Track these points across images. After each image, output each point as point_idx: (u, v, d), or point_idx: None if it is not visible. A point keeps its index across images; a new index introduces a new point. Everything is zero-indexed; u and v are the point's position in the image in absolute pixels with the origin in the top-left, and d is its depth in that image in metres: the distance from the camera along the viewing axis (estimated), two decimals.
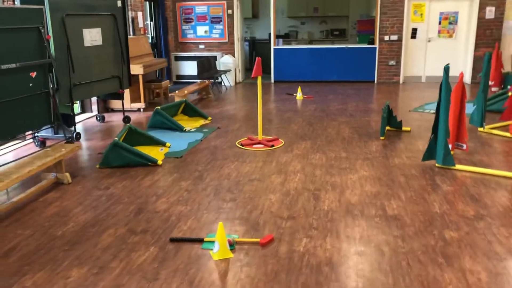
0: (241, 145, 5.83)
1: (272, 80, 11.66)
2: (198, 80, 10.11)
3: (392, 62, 10.97)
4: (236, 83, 11.57)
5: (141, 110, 8.19)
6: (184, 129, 6.65)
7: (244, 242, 3.31)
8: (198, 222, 3.67)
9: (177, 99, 8.17)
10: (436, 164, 4.87)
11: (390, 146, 5.70)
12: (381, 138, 6.02)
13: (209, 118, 7.37)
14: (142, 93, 8.03)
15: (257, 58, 5.65)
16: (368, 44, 11.12)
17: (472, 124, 6.28)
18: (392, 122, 6.36)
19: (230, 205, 3.99)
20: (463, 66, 10.86)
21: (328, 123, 7.01)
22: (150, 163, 5.10)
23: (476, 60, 10.62)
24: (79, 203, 4.11)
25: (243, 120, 7.36)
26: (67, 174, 4.59)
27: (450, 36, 10.84)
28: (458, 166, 4.77)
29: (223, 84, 11.26)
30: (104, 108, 8.11)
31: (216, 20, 11.38)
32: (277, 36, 12.87)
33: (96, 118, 7.46)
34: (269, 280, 2.81)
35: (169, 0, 11.20)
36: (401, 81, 11.06)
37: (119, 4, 6.85)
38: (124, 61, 7.01)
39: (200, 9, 11.38)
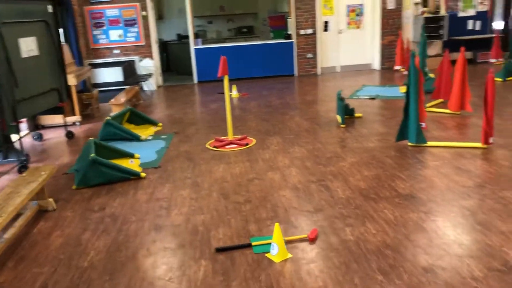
0: (214, 147, 5.70)
1: (196, 81, 11.48)
2: (125, 86, 9.58)
3: (309, 55, 11.45)
4: (157, 86, 11.17)
5: (78, 124, 7.53)
6: (140, 138, 6.29)
7: (293, 240, 3.28)
8: (229, 228, 3.54)
9: (115, 109, 7.67)
10: (409, 143, 5.25)
11: (355, 132, 6.00)
12: (342, 126, 6.30)
13: (160, 124, 7.05)
14: (77, 105, 7.39)
15: (222, 57, 5.54)
16: (285, 39, 11.47)
17: None
18: (346, 110, 6.68)
19: (249, 206, 3.91)
20: (371, 54, 11.73)
21: (282, 117, 7.14)
22: (132, 176, 4.76)
23: (383, 48, 11.54)
24: (83, 228, 3.71)
25: (195, 122, 7.17)
26: (51, 200, 4.10)
27: (358, 27, 11.63)
28: (429, 143, 5.20)
29: (145, 88, 10.80)
30: (34, 125, 7.31)
31: (130, 23, 10.86)
32: (186, 37, 12.67)
33: (33, 137, 6.70)
34: (345, 272, 2.84)
35: (76, 4, 10.41)
36: (319, 73, 11.61)
37: (50, 9, 6.22)
38: (62, 72, 6.40)
39: (112, 12, 10.75)
